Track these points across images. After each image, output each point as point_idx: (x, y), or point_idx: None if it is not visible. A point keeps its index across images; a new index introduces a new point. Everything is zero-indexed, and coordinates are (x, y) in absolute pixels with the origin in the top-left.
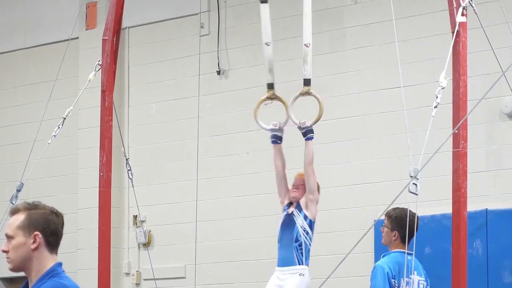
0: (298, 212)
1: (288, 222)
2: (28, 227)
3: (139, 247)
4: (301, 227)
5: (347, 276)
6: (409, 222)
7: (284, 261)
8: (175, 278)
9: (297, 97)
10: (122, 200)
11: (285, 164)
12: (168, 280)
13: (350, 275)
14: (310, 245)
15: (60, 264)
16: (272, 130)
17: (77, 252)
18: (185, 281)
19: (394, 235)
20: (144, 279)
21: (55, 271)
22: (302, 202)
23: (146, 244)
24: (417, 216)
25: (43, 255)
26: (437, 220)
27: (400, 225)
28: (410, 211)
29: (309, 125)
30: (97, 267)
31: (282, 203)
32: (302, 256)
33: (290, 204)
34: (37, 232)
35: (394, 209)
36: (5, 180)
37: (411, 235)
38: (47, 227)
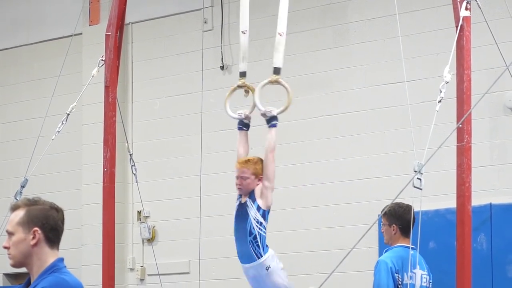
0: (252, 203)
1: (241, 214)
2: (28, 223)
3: (143, 243)
4: (254, 219)
5: (351, 271)
6: (403, 212)
7: (244, 258)
8: (180, 273)
9: (265, 85)
10: (126, 195)
11: (248, 150)
12: (172, 276)
13: (355, 270)
14: (265, 233)
15: (61, 260)
16: (238, 119)
17: (81, 248)
18: (189, 277)
19: (393, 229)
20: (149, 275)
21: (56, 266)
22: (257, 190)
23: (150, 240)
24: (412, 208)
25: (43, 251)
26: (442, 214)
27: (396, 217)
28: (402, 203)
29: (275, 114)
30: (101, 262)
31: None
32: (259, 248)
33: None
34: (36, 228)
35: (387, 205)
36: (9, 176)
37: (409, 225)
38: (47, 222)
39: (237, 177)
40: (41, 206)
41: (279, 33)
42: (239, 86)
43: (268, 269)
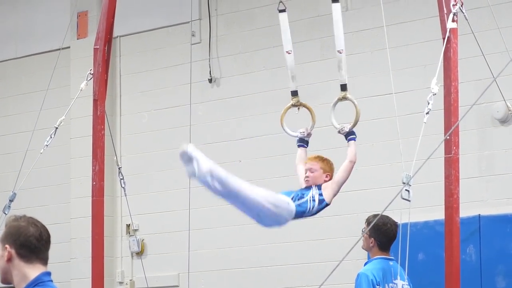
0: (317, 189)
1: (303, 190)
2: (3, 240)
3: (132, 256)
4: (311, 195)
5: (340, 284)
6: (385, 230)
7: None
8: (169, 286)
9: (336, 103)
10: (115, 209)
11: None
12: None
13: (343, 283)
14: (307, 209)
15: (46, 274)
16: (298, 137)
17: (70, 262)
18: None
19: (371, 242)
20: None
21: (40, 280)
22: (324, 184)
23: (139, 253)
24: (397, 224)
25: (19, 266)
26: (430, 226)
27: (377, 233)
28: (390, 219)
29: (347, 130)
30: (90, 276)
31: None
32: (297, 200)
33: None
34: (6, 245)
35: (375, 215)
36: None
37: (389, 243)
38: (17, 239)
39: (306, 170)
40: (17, 223)
41: (338, 50)
42: (293, 105)
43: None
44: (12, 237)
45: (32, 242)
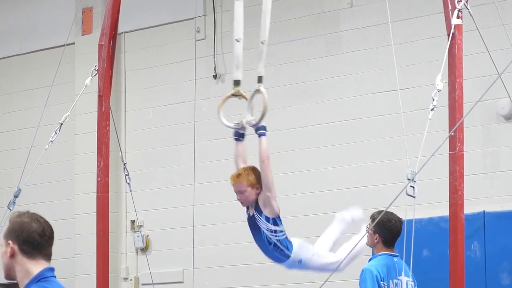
0: (259, 215)
1: (253, 226)
2: (6, 236)
3: (137, 252)
4: (267, 230)
5: (343, 280)
6: (389, 227)
7: (275, 260)
8: (173, 282)
9: (253, 96)
10: (119, 205)
11: (246, 161)
12: (166, 285)
13: (347, 279)
14: (284, 234)
15: (50, 269)
16: (233, 128)
17: (75, 258)
18: (183, 286)
19: (376, 238)
20: (142, 284)
21: (43, 276)
22: (260, 201)
23: (144, 249)
24: (401, 221)
25: (22, 262)
26: (435, 222)
27: (381, 228)
28: (394, 215)
29: (254, 123)
30: (95, 272)
31: None
32: (283, 250)
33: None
34: (9, 241)
35: (379, 212)
36: (2, 186)
37: (393, 239)
38: (20, 235)
39: (236, 193)
40: (20, 219)
41: (261, 41)
42: (233, 95)
43: (300, 262)
44: (15, 233)
45: (35, 238)
